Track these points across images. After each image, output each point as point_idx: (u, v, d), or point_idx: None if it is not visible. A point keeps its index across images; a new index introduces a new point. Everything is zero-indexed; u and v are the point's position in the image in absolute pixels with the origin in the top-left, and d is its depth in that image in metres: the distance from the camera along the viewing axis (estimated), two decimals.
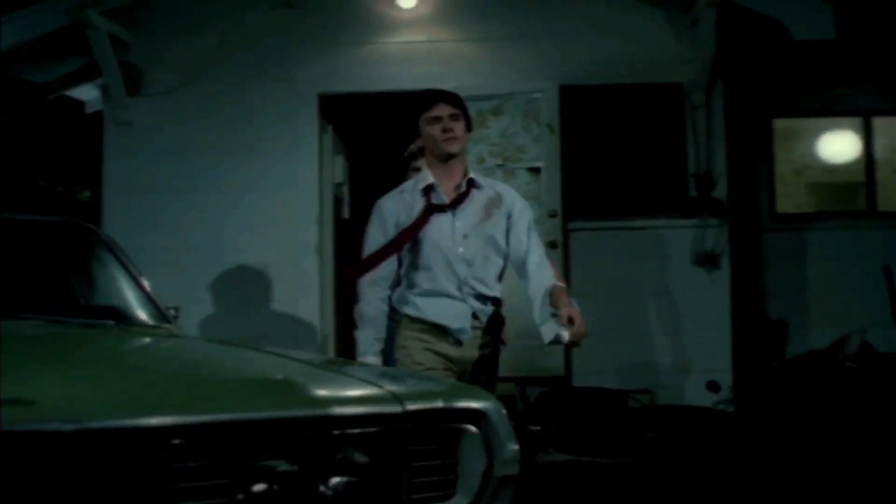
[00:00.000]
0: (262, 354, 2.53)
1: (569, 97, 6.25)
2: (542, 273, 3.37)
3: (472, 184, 3.39)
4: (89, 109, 7.29)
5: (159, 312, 3.19)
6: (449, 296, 3.30)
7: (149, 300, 3.25)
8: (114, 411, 1.64)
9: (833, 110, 7.35)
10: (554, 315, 3.26)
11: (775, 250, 6.94)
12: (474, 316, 3.34)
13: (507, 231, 3.41)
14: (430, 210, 3.32)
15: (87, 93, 6.98)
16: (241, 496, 1.71)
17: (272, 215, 6.24)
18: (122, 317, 3.09)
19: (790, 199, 7.58)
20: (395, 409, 2.00)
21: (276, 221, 6.24)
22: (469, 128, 3.41)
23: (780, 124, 7.39)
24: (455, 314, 3.30)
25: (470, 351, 3.34)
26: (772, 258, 6.94)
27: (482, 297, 3.35)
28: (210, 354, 2.55)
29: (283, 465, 1.81)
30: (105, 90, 6.16)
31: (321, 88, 6.34)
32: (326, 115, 6.48)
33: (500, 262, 3.43)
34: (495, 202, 3.40)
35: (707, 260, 6.34)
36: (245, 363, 2.37)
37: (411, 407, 2.03)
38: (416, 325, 3.31)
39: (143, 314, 3.16)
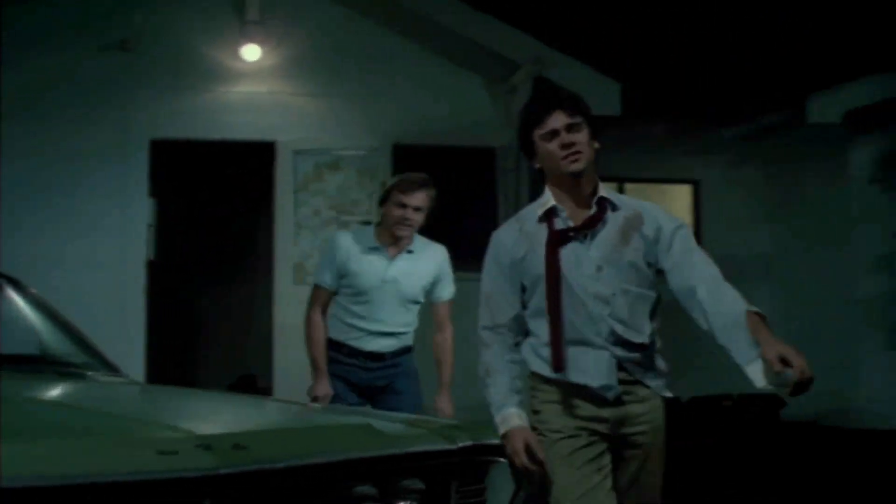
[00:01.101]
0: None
1: (401, 155, 6.74)
2: (724, 297, 2.56)
3: (603, 203, 2.67)
4: None
5: (108, 362, 3.23)
6: (586, 343, 2.62)
7: (96, 351, 3.28)
8: (304, 452, 1.89)
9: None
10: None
11: None
12: (621, 367, 2.62)
13: (656, 255, 2.67)
14: (556, 238, 2.64)
15: None
16: None
17: (98, 257, 6.10)
18: (84, 367, 3.11)
19: None
20: (450, 445, 2.41)
21: (102, 263, 6.10)
22: (595, 134, 2.69)
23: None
24: (595, 369, 2.61)
25: (625, 409, 2.62)
26: None
27: (629, 344, 2.63)
28: (252, 404, 2.73)
29: (371, 491, 2.19)
30: None
31: (154, 133, 6.30)
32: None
33: (651, 296, 2.68)
34: (633, 222, 2.67)
35: None
36: (288, 410, 2.61)
37: (461, 444, 2.43)
38: (548, 385, 2.66)
39: (95, 364, 3.18)
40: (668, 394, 2.70)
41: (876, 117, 6.76)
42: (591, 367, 2.60)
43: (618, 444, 2.61)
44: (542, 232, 2.65)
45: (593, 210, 2.64)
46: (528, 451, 2.53)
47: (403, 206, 3.84)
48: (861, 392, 6.88)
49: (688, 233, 2.70)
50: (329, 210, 6.63)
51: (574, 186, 2.64)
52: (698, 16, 7.70)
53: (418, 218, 3.89)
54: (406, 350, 3.98)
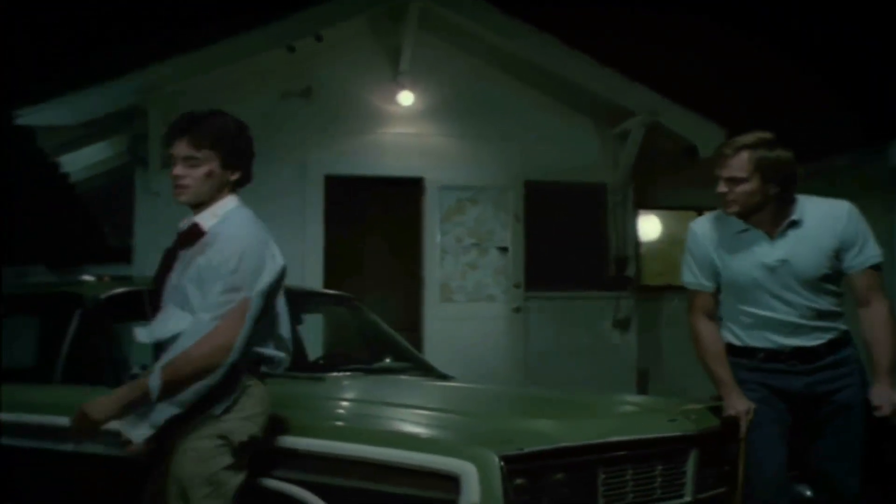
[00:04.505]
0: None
1: (530, 190, 7.73)
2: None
3: (194, 227, 2.73)
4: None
5: (430, 365, 4.16)
6: None
7: (419, 356, 4.22)
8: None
9: (676, 206, 9.44)
10: None
11: (641, 315, 8.72)
12: None
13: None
14: (168, 255, 2.78)
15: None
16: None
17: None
18: (423, 368, 4.05)
19: (648, 274, 9.55)
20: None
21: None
22: (233, 166, 2.75)
23: (642, 215, 9.37)
24: None
25: None
26: (640, 321, 8.72)
27: None
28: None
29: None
30: (141, 162, 6.67)
31: (327, 170, 7.26)
32: None
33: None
34: (200, 248, 2.68)
35: (620, 324, 8.06)
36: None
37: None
38: None
39: (426, 365, 4.12)
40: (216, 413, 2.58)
41: None
42: None
43: None
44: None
45: (183, 231, 2.73)
46: None
47: (718, 179, 3.08)
48: None
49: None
50: (469, 237, 7.60)
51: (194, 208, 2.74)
52: (787, 63, 8.72)
53: (741, 190, 3.03)
54: (839, 343, 3.10)
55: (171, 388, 2.49)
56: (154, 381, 2.49)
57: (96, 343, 2.83)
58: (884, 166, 7.76)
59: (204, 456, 2.53)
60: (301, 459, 2.67)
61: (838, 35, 9.31)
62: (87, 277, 3.79)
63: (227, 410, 2.56)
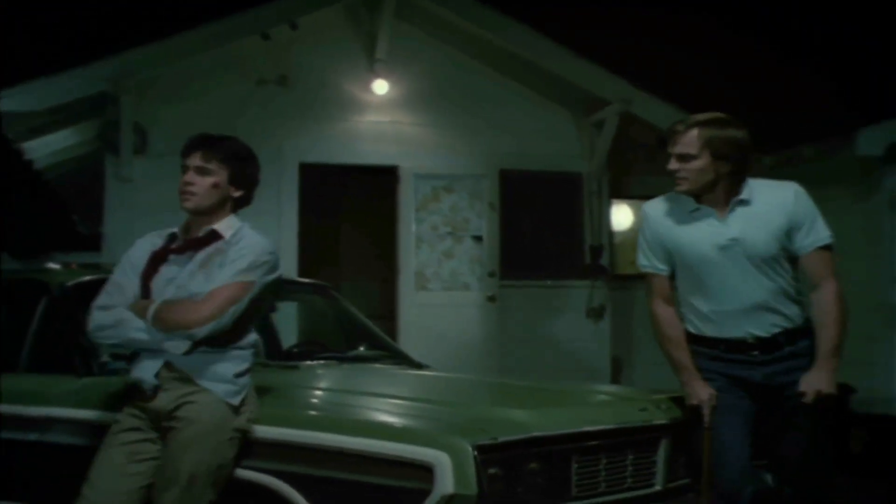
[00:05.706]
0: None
1: (505, 179, 7.71)
2: None
3: (213, 234, 2.90)
4: None
5: (405, 354, 4.15)
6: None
7: (393, 345, 4.20)
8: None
9: (649, 196, 9.47)
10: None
11: (614, 304, 8.75)
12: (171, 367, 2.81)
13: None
14: (154, 256, 2.91)
15: None
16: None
17: None
18: (397, 357, 4.03)
19: (621, 263, 9.60)
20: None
21: None
22: (238, 183, 2.91)
23: (615, 204, 9.40)
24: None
25: (158, 403, 2.81)
26: (613, 310, 8.75)
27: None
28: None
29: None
30: (112, 149, 6.58)
31: (302, 158, 7.20)
32: None
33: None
34: (215, 255, 2.86)
35: (595, 312, 8.08)
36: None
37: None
38: None
39: (400, 354, 4.11)
40: (224, 396, 2.74)
41: None
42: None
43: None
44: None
45: (199, 236, 2.90)
46: None
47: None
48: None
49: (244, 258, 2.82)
50: (444, 226, 7.58)
51: (193, 217, 2.93)
52: (757, 54, 8.75)
53: (691, 167, 3.02)
54: (798, 332, 3.05)
55: (157, 321, 2.75)
56: (153, 307, 2.76)
57: (63, 331, 2.79)
58: (852, 156, 7.81)
59: (221, 447, 2.70)
60: (274, 449, 2.67)
61: (807, 26, 9.39)
62: (53, 265, 3.74)
63: (242, 403, 2.76)
